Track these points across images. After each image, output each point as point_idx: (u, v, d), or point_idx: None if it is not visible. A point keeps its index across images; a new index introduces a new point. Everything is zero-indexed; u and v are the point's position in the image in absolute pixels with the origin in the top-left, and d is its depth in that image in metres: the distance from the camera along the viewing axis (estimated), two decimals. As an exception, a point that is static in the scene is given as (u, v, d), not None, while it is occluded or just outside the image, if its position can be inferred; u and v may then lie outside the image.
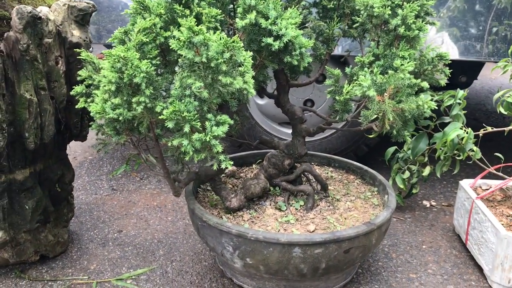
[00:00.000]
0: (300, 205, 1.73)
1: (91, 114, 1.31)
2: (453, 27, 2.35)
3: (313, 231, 1.58)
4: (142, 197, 2.37)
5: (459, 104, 1.83)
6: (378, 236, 1.58)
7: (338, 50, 2.35)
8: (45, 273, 1.77)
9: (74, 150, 2.95)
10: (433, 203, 2.39)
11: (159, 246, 1.95)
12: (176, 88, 1.22)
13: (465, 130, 1.78)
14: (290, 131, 2.70)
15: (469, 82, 2.96)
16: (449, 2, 2.33)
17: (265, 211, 1.70)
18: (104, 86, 1.21)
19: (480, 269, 1.83)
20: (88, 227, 2.09)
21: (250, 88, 1.21)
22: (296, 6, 1.57)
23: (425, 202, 2.39)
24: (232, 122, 1.23)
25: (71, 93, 1.43)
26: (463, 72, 2.88)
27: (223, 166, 1.24)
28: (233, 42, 1.14)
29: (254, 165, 2.11)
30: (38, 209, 1.70)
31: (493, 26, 2.32)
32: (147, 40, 1.24)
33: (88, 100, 1.45)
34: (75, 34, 1.62)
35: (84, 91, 1.45)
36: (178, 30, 1.20)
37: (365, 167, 1.98)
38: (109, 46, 4.02)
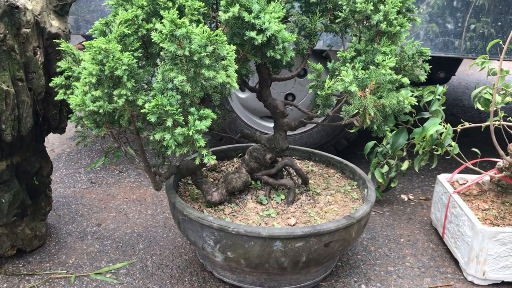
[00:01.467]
0: (281, 199, 1.74)
1: (71, 106, 1.29)
2: (432, 23, 2.37)
3: (294, 225, 1.59)
4: (121, 191, 2.35)
5: (439, 100, 1.86)
6: (358, 229, 1.60)
7: (319, 45, 2.35)
8: (22, 268, 1.74)
9: (52, 142, 2.90)
10: (411, 197, 2.43)
11: (138, 240, 1.94)
12: (158, 81, 1.20)
13: (444, 126, 1.81)
14: (271, 125, 2.71)
15: (447, 77, 3.01)
16: (428, -2, 2.36)
17: (246, 205, 1.70)
18: (85, 78, 1.19)
19: (456, 262, 1.87)
20: (66, 220, 2.06)
21: (233, 82, 1.20)
22: (279, 0, 1.56)
23: (403, 196, 2.43)
24: (215, 116, 1.23)
25: (50, 84, 1.40)
26: (442, 68, 2.93)
27: (205, 160, 1.24)
28: (216, 35, 1.13)
29: (235, 159, 2.11)
30: (15, 202, 1.66)
31: (471, 23, 2.35)
32: (129, 32, 1.22)
33: (68, 92, 1.42)
34: (54, 24, 1.58)
35: (63, 82, 1.42)
36: (161, 23, 1.18)
37: (345, 161, 2.00)
38: (88, 37, 3.95)
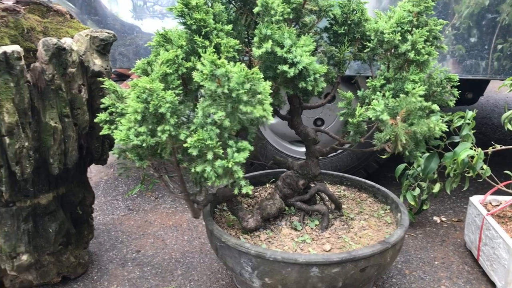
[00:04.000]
0: (315, 225, 1.77)
1: (116, 141, 1.37)
2: (458, 45, 2.40)
3: (329, 251, 1.62)
4: (158, 217, 2.42)
5: (468, 124, 1.88)
6: (393, 254, 1.62)
7: (347, 71, 2.41)
8: (67, 294, 1.82)
9: (89, 170, 3.00)
10: (443, 219, 2.42)
11: (177, 266, 2.00)
12: (198, 117, 1.27)
13: (475, 150, 1.83)
14: (300, 149, 2.76)
15: (475, 98, 3.01)
16: (454, 19, 2.39)
17: (281, 231, 1.74)
18: (130, 115, 1.27)
19: (493, 285, 1.86)
20: (107, 247, 2.14)
21: (269, 115, 1.26)
22: (309, 33, 1.63)
23: (435, 218, 2.43)
24: (252, 148, 1.28)
25: (95, 120, 1.49)
26: (470, 89, 2.93)
27: (243, 191, 1.29)
28: (253, 73, 1.20)
29: (267, 184, 2.16)
30: (61, 231, 1.75)
31: (498, 44, 2.37)
32: (170, 71, 1.30)
33: (112, 127, 1.50)
34: (96, 63, 1.68)
35: (107, 118, 1.50)
36: (199, 61, 1.26)
37: (377, 185, 2.02)
38: (122, 74, 4.06)
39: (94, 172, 3.01)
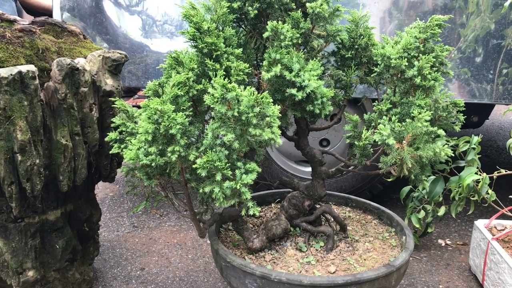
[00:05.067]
0: (320, 246, 1.78)
1: (125, 160, 1.39)
2: (464, 69, 2.42)
3: (334, 273, 1.63)
4: (162, 234, 2.43)
5: (474, 149, 1.89)
6: (397, 277, 1.62)
7: (354, 93, 2.43)
8: (71, 311, 1.83)
9: (96, 186, 3.03)
10: (448, 242, 2.42)
11: (181, 285, 2.00)
12: (207, 138, 1.30)
13: (480, 174, 1.84)
14: (305, 169, 2.78)
15: (481, 121, 3.03)
16: (460, 43, 2.42)
17: (286, 251, 1.75)
18: (141, 135, 1.29)
19: (497, 310, 1.86)
20: (112, 264, 2.15)
21: (277, 138, 1.28)
22: (317, 57, 1.66)
23: (440, 241, 2.43)
24: (260, 170, 1.30)
25: (106, 139, 1.51)
26: (475, 113, 2.95)
27: (251, 212, 1.31)
28: (263, 97, 1.22)
29: (273, 204, 2.17)
30: (68, 248, 1.76)
31: (503, 68, 2.39)
32: (181, 93, 1.33)
33: (121, 146, 1.53)
34: (108, 82, 1.72)
35: (117, 137, 1.53)
36: (210, 84, 1.29)
37: (382, 208, 2.03)
38: (132, 91, 4.13)
39: (100, 188, 3.03)
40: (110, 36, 2.64)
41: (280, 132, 1.76)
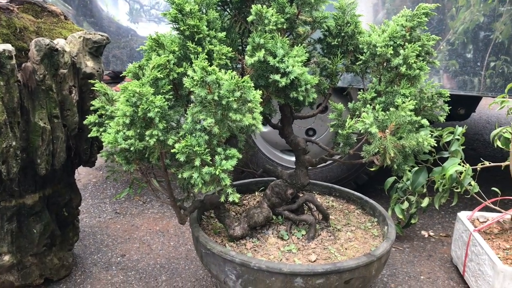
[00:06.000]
0: (302, 235, 1.77)
1: (103, 143, 1.36)
2: (451, 60, 2.42)
3: (314, 261, 1.62)
4: (145, 221, 2.41)
5: (458, 140, 1.89)
6: (378, 267, 1.62)
7: (340, 83, 2.41)
8: (49, 297, 1.80)
9: (78, 172, 2.98)
10: (431, 233, 2.43)
11: (161, 272, 1.98)
12: (187, 122, 1.27)
13: (463, 166, 1.84)
14: (291, 158, 2.76)
15: (467, 114, 3.03)
16: (448, 35, 2.41)
17: (267, 239, 1.74)
18: (119, 118, 1.26)
19: (477, 301, 1.87)
20: (92, 250, 2.12)
21: (259, 124, 1.26)
22: (302, 43, 1.63)
23: (423, 232, 2.43)
24: (240, 156, 1.28)
25: (84, 122, 1.48)
26: (462, 105, 2.95)
27: (230, 199, 1.29)
28: (244, 81, 1.20)
29: (256, 193, 2.15)
30: (46, 233, 1.73)
31: (490, 61, 2.38)
32: (161, 76, 1.30)
33: (100, 129, 1.49)
34: (89, 65, 1.68)
35: (96, 120, 1.50)
36: (191, 67, 1.26)
37: (366, 198, 2.02)
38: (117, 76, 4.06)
39: (83, 174, 2.99)
40: (95, 19, 2.58)
41: (263, 118, 1.75)
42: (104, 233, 2.28)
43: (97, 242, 2.19)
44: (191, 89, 1.21)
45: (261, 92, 1.27)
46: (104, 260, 2.05)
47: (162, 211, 2.53)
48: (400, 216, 2.22)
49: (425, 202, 2.18)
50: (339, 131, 1.64)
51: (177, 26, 1.39)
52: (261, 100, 1.44)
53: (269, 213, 1.78)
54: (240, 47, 1.71)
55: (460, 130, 1.91)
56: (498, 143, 1.94)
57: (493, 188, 2.01)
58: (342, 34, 1.73)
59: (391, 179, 2.26)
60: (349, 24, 1.72)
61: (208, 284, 1.90)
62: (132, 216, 2.46)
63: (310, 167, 1.93)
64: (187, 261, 2.06)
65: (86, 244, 2.17)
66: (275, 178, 1.91)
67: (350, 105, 1.68)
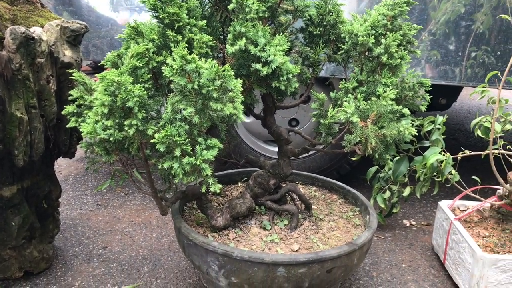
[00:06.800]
0: (285, 225, 1.77)
1: (82, 134, 1.34)
2: (433, 51, 2.43)
3: (297, 251, 1.62)
4: (127, 213, 2.39)
5: (439, 129, 1.90)
6: (360, 256, 1.63)
7: (323, 73, 2.41)
8: (29, 290, 1.78)
9: (59, 164, 2.94)
10: (413, 222, 2.45)
11: (143, 263, 1.97)
12: (167, 112, 1.25)
13: (444, 155, 1.85)
14: (275, 149, 2.75)
15: (448, 104, 3.05)
16: (430, 25, 2.42)
17: (250, 230, 1.73)
18: (97, 108, 1.24)
19: (457, 288, 1.89)
20: (73, 242, 2.09)
21: (240, 113, 1.25)
22: (284, 33, 1.62)
23: (405, 221, 2.46)
24: (221, 146, 1.27)
25: (62, 112, 1.45)
26: (443, 95, 2.97)
27: (211, 189, 1.28)
28: (224, 70, 1.18)
29: (239, 183, 2.14)
30: (25, 225, 1.70)
31: (471, 51, 2.40)
32: (140, 64, 1.27)
33: (79, 119, 1.47)
34: (67, 54, 1.64)
35: (75, 110, 1.47)
36: (171, 56, 1.24)
37: (348, 187, 2.03)
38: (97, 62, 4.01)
39: (64, 165, 2.95)
40: (74, 8, 2.53)
41: (246, 108, 1.73)
42: (86, 225, 2.25)
43: (78, 234, 2.17)
44: (171, 78, 1.19)
45: (242, 81, 1.25)
46: (85, 252, 2.02)
47: (144, 202, 2.51)
48: (382, 206, 2.23)
49: (407, 191, 2.20)
50: (321, 121, 1.64)
51: (156, 14, 1.37)
52: (243, 89, 1.43)
53: (251, 204, 1.78)
54: (222, 36, 1.69)
55: (440, 119, 1.93)
56: (479, 133, 1.96)
57: (473, 177, 2.04)
58: (324, 23, 1.72)
59: (373, 169, 2.27)
60: (331, 13, 1.72)
61: (191, 275, 1.90)
62: (114, 207, 2.43)
63: (292, 157, 1.93)
64: (169, 252, 2.05)
65: (67, 236, 2.14)
66: (258, 169, 1.91)
67: (332, 94, 1.68)
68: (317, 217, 1.85)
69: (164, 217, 2.35)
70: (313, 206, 1.91)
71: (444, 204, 2.10)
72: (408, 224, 2.43)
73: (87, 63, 5.11)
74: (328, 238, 1.71)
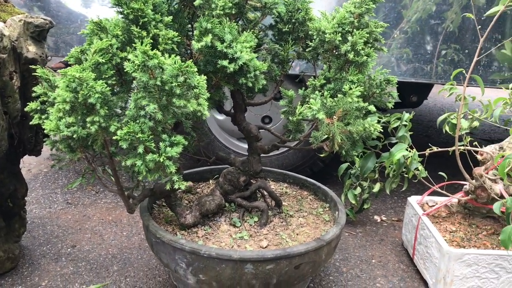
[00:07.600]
0: (254, 221, 1.77)
1: (45, 131, 1.32)
2: (405, 49, 2.46)
3: (265, 247, 1.62)
4: (97, 212, 2.36)
5: (405, 126, 1.93)
6: (328, 251, 1.64)
7: (294, 70, 2.42)
8: (-6, 290, 1.74)
9: (29, 162, 2.89)
10: (384, 218, 2.48)
11: (113, 262, 1.95)
12: (131, 109, 1.24)
13: (410, 151, 1.88)
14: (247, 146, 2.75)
15: (420, 101, 3.10)
16: (402, 23, 2.45)
17: (219, 227, 1.73)
18: (59, 104, 1.22)
19: (425, 283, 1.92)
20: (41, 242, 2.06)
21: (205, 110, 1.24)
22: (252, 30, 1.62)
23: (376, 217, 2.48)
24: (186, 143, 1.26)
25: (25, 109, 1.42)
26: (414, 92, 3.01)
27: (176, 186, 1.27)
28: (187, 66, 1.18)
29: (211, 181, 2.14)
30: (-12, 225, 1.67)
31: (442, 49, 2.44)
32: (103, 60, 1.26)
33: (43, 116, 1.44)
34: (30, 50, 1.61)
35: (38, 107, 1.44)
36: (133, 52, 1.22)
37: (318, 184, 2.04)
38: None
39: (34, 163, 2.90)
40: (43, 3, 2.49)
41: (216, 105, 1.73)
42: (55, 224, 2.22)
43: (47, 233, 2.13)
44: (132, 74, 1.17)
45: (206, 77, 1.25)
46: (53, 252, 1.99)
47: (115, 200, 2.48)
48: (353, 202, 2.25)
49: (377, 187, 2.22)
50: (290, 118, 1.65)
51: (121, 9, 1.35)
52: (211, 85, 1.43)
53: (221, 201, 1.77)
54: (191, 32, 1.68)
55: (407, 116, 1.95)
56: (447, 129, 2.00)
57: (440, 173, 2.07)
58: (293, 20, 1.73)
59: (344, 166, 2.29)
60: (300, 11, 1.72)
61: (161, 273, 1.88)
62: (84, 206, 2.40)
63: (263, 154, 1.93)
64: (140, 251, 2.03)
65: (35, 235, 2.11)
66: (228, 166, 1.90)
67: (300, 91, 1.69)
68: (287, 214, 1.85)
69: (135, 215, 2.32)
70: (283, 203, 1.91)
71: (413, 200, 2.13)
72: (379, 220, 2.46)
73: (61, 60, 5.02)
74: (297, 234, 1.72)
